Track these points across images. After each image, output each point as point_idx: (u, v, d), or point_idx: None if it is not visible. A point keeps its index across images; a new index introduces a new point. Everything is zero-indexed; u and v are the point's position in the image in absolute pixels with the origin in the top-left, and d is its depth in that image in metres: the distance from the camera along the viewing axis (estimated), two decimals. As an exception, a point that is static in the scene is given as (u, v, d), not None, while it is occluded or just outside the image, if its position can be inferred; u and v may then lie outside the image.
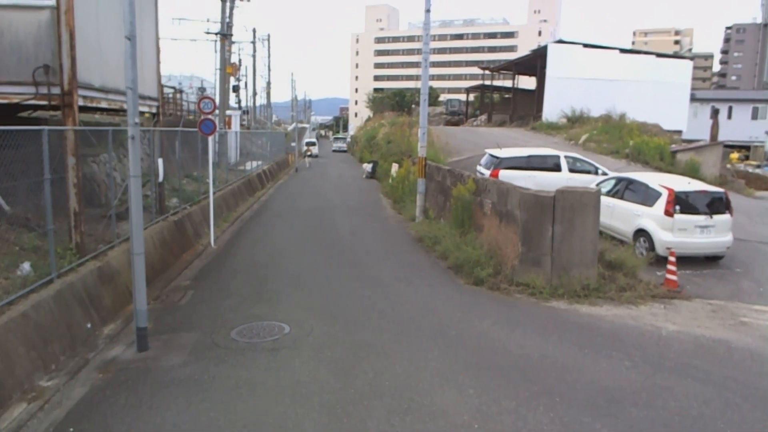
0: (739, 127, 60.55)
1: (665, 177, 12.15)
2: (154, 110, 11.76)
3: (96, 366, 6.24)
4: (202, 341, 6.91)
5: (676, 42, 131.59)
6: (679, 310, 8.48)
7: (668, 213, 10.34)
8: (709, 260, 11.05)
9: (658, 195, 10.64)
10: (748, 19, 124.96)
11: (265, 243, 13.40)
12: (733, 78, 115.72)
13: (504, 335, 7.28)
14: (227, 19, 24.98)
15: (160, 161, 11.41)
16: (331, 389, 5.64)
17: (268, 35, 55.38)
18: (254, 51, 47.60)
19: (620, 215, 11.58)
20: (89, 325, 7.04)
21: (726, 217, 10.61)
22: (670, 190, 10.48)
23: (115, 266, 8.33)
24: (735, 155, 53.04)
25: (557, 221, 9.12)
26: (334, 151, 67.07)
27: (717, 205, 10.65)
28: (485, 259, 10.21)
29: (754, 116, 62.03)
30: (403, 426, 4.92)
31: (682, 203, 10.40)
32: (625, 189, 11.75)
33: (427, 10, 15.40)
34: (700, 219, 10.41)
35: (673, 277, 9.32)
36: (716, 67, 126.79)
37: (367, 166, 31.93)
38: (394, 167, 24.27)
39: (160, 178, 11.59)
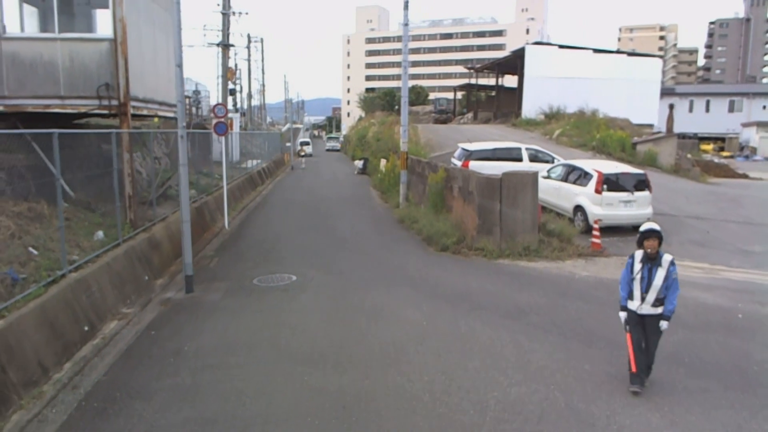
0: (716, 119, 63.41)
1: (599, 162, 14.61)
2: (177, 115, 14.14)
3: (158, 302, 8.67)
4: (232, 286, 9.35)
5: (661, 38, 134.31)
6: (596, 263, 10.97)
7: (597, 191, 12.81)
8: (636, 230, 13.45)
9: (591, 177, 13.10)
10: (730, 14, 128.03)
11: (270, 226, 15.82)
12: (717, 72, 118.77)
13: (456, 279, 9.75)
14: (227, 30, 27.30)
15: (183, 157, 13.79)
16: (327, 309, 8.11)
17: (261, 39, 57.78)
18: (249, 56, 49.90)
19: (565, 195, 14.05)
20: (146, 278, 9.46)
21: (646, 193, 13.09)
22: (599, 172, 12.95)
23: (158, 238, 10.75)
24: (710, 146, 55.64)
25: (504, 198, 11.57)
26: (328, 150, 68.90)
27: (639, 184, 13.11)
28: (451, 231, 12.66)
29: (731, 109, 64.81)
30: (376, 324, 7.39)
31: (609, 183, 12.86)
32: (569, 174, 14.21)
33: (405, 24, 17.83)
34: (624, 195, 12.87)
35: (597, 240, 11.80)
36: (701, 61, 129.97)
37: (359, 163, 34.11)
38: (383, 162, 26.65)
39: (184, 172, 13.97)
